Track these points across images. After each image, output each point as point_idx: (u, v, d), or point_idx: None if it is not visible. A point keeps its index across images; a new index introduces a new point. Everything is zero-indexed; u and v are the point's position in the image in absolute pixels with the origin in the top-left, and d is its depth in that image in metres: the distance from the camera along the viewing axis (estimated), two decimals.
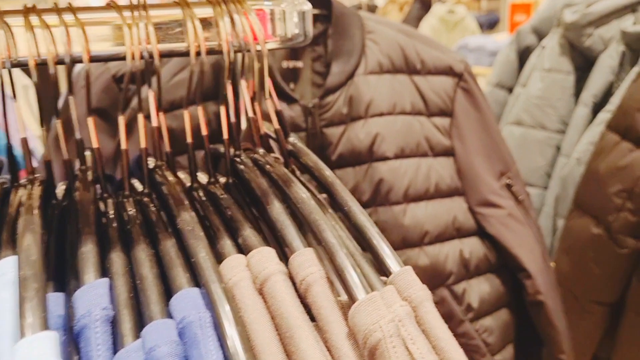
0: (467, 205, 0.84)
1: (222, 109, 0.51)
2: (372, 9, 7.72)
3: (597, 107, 1.43)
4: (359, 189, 0.77)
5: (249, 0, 0.51)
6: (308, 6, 0.52)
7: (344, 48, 0.80)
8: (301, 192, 0.45)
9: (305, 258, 0.39)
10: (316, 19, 0.83)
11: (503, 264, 0.82)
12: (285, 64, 0.86)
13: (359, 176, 0.77)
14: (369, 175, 0.79)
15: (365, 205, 0.80)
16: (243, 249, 0.43)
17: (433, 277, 0.78)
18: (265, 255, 0.40)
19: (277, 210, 0.44)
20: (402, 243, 0.78)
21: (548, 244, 1.46)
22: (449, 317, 0.83)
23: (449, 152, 0.84)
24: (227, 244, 0.43)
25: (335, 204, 0.47)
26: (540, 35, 1.67)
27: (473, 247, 0.81)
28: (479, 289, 0.83)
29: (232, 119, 0.52)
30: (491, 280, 0.84)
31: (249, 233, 0.43)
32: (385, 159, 0.80)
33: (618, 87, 1.40)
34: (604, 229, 1.22)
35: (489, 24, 6.25)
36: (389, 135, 0.80)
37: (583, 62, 1.51)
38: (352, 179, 0.78)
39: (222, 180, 0.52)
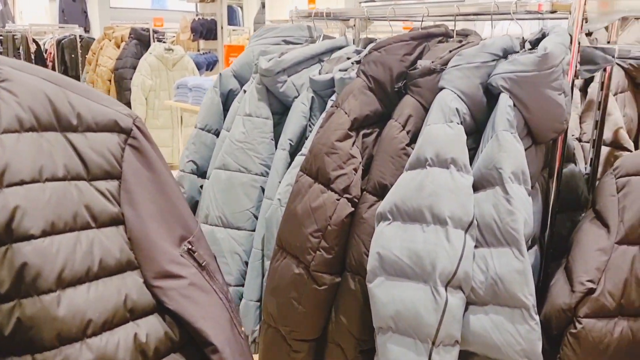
0: (142, 280, 0.74)
1: None
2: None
3: (294, 150, 1.48)
4: None
5: None
6: None
7: None
8: None
9: None
10: None
11: (189, 340, 0.75)
12: None
13: None
14: (8, 259, 0.63)
15: (5, 298, 0.64)
16: None
17: None
18: None
19: None
20: (58, 340, 0.63)
21: (258, 286, 1.45)
22: None
23: (117, 221, 0.73)
24: None
25: None
26: (241, 80, 1.69)
27: (151, 328, 0.71)
28: None
29: None
30: None
31: None
32: (29, 237, 0.64)
33: (311, 131, 1.48)
34: (303, 268, 1.25)
35: (208, 64, 6.45)
36: (34, 208, 0.65)
37: (280, 107, 1.57)
38: None
39: None
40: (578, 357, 1.05)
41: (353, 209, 1.26)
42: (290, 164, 1.47)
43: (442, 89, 1.19)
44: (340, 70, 1.46)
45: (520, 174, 1.08)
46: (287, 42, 1.69)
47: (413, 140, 1.23)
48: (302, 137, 1.49)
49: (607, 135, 1.61)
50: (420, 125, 1.23)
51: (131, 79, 5.35)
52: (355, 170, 1.27)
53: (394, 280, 1.11)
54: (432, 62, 1.27)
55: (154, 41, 5.71)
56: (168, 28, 7.03)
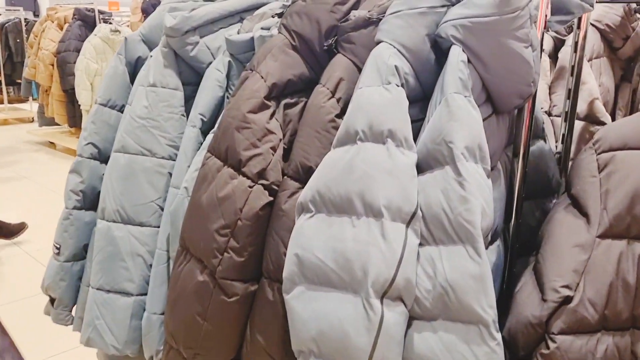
0: None
1: None
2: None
3: (208, 128, 1.21)
4: None
5: None
6: None
7: None
8: None
9: None
10: None
11: None
12: None
13: None
14: None
15: None
16: None
17: None
18: None
19: None
20: None
21: (163, 295, 1.18)
22: None
23: None
24: None
25: None
26: (151, 45, 1.41)
27: None
28: None
29: None
30: None
31: None
32: None
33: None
34: (209, 274, 0.99)
35: None
36: None
37: (193, 75, 1.29)
38: None
39: None
40: None
41: (271, 198, 1.00)
42: (202, 144, 1.19)
43: (378, 42, 0.93)
44: (262, 28, 1.18)
45: (476, 149, 0.84)
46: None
47: (345, 109, 0.98)
48: (218, 111, 1.22)
49: (581, 107, 1.38)
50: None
51: (75, 62, 4.96)
52: (274, 149, 1.01)
53: (317, 290, 0.85)
54: (369, 11, 1.01)
55: (99, 22, 5.31)
56: (124, 12, 6.63)
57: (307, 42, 1.05)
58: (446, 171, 0.84)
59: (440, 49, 0.93)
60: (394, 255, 0.81)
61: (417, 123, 0.94)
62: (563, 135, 1.27)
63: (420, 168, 0.87)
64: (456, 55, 0.87)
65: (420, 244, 0.84)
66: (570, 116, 1.25)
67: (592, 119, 1.36)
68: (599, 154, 0.87)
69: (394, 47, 0.91)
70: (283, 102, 1.05)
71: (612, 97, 1.48)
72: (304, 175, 0.97)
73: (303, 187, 0.96)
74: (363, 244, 0.82)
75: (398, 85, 0.88)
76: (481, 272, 0.79)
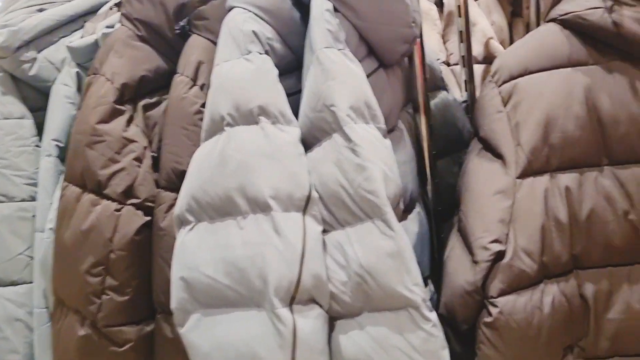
0: None
1: None
2: None
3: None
4: None
5: None
6: None
7: None
8: None
9: None
10: None
11: None
12: None
13: None
14: None
15: None
16: None
17: None
18: None
19: None
20: None
21: None
22: None
23: None
24: None
25: None
26: None
27: None
28: None
29: None
30: None
31: None
32: None
33: None
34: (90, 325, 0.82)
35: None
36: None
37: (40, 98, 1.10)
38: None
39: None
40: (502, 354, 0.70)
41: (147, 218, 0.84)
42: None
43: (230, 9, 0.79)
44: (107, 27, 1.01)
45: (363, 108, 0.71)
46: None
47: None
48: None
49: (478, 50, 1.30)
50: None
51: None
52: (139, 160, 0.85)
53: (215, 314, 0.70)
54: None
55: None
56: None
57: (155, 29, 0.90)
58: (335, 140, 0.71)
59: (303, 5, 0.80)
60: (294, 251, 0.67)
61: (296, 96, 0.80)
62: (465, 81, 1.18)
63: (307, 143, 0.74)
64: (319, 5, 0.75)
65: (324, 231, 0.71)
66: (467, 59, 1.16)
67: (491, 59, 1.28)
68: (500, 85, 0.76)
69: (249, 10, 0.77)
70: (141, 103, 0.89)
71: (507, 35, 1.42)
72: (178, 182, 0.82)
73: None
74: (255, 247, 0.68)
75: (261, 53, 0.74)
76: (397, 247, 0.67)
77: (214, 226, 0.71)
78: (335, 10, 0.76)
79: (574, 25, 0.73)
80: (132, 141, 0.85)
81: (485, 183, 0.75)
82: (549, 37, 0.75)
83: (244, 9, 0.77)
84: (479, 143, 0.80)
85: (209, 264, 0.70)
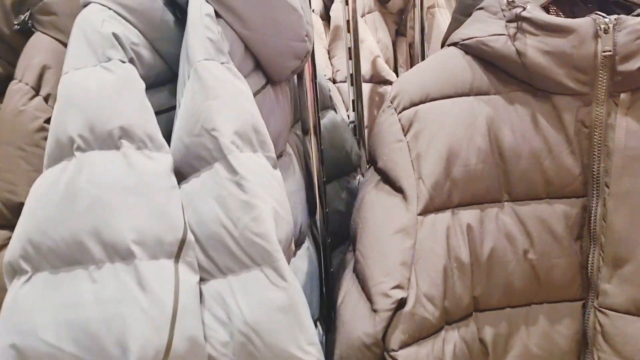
0: None
1: None
2: None
3: None
4: None
5: None
6: None
7: None
8: None
9: None
10: None
11: None
12: None
13: None
14: None
15: None
16: None
17: None
18: None
19: None
20: None
21: None
22: None
23: None
24: None
25: None
26: None
27: None
28: None
29: None
30: None
31: None
32: None
33: None
34: None
35: None
36: None
37: None
38: None
39: None
40: None
41: None
42: None
43: (85, 5, 0.64)
44: None
45: (250, 133, 0.60)
46: None
47: None
48: None
49: (365, 67, 1.25)
50: None
51: None
52: None
53: None
54: None
55: None
56: None
57: None
58: (216, 171, 0.59)
59: (177, 5, 0.68)
60: (163, 309, 0.54)
61: (168, 113, 0.67)
62: (353, 101, 1.11)
63: (181, 173, 0.61)
64: (197, 9, 0.62)
65: (202, 279, 0.59)
66: (356, 78, 1.10)
67: (377, 78, 1.24)
68: (399, 112, 0.70)
69: (109, 8, 0.62)
70: None
71: (392, 54, 1.39)
72: (13, 218, 0.65)
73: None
74: (112, 305, 0.54)
75: (123, 61, 0.60)
76: (290, 299, 0.57)
77: (58, 278, 0.56)
78: (217, 15, 0.64)
79: (476, 51, 0.69)
80: None
81: (385, 220, 0.68)
82: (450, 62, 0.70)
83: (103, 5, 0.63)
84: (377, 174, 0.73)
85: (50, 328, 0.54)
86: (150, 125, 0.59)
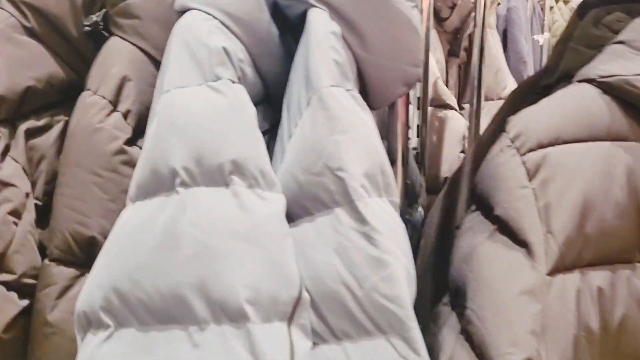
0: None
1: None
2: None
3: None
4: None
5: None
6: None
7: None
8: None
9: None
10: None
11: None
12: None
13: None
14: None
15: None
16: None
17: None
18: None
19: None
20: None
21: None
22: None
23: None
24: None
25: None
26: None
27: None
28: None
29: None
30: None
31: None
32: None
33: None
34: None
35: None
36: None
37: None
38: None
39: None
40: None
41: (25, 303, 0.55)
42: None
43: (184, 11, 0.54)
44: None
45: (378, 174, 0.52)
46: None
47: (141, 130, 0.57)
48: None
49: None
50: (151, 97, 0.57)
51: None
52: (17, 214, 0.56)
53: None
54: None
55: None
56: None
57: (53, 21, 0.62)
58: (337, 217, 0.50)
59: (284, 19, 0.59)
60: None
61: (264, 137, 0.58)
62: (418, 126, 1.03)
63: (289, 215, 0.52)
64: (322, 24, 0.54)
65: (315, 344, 0.49)
66: (423, 102, 1.02)
67: (438, 102, 1.16)
68: (523, 154, 0.61)
69: (214, 16, 0.53)
70: (22, 127, 0.60)
71: (444, 76, 1.32)
72: (81, 253, 0.55)
73: (84, 275, 0.54)
74: None
75: (234, 81, 0.51)
76: None
77: (148, 337, 0.46)
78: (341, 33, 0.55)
79: (619, 92, 0.61)
80: (6, 184, 0.56)
81: (506, 278, 0.59)
82: (585, 102, 0.62)
83: (207, 13, 0.53)
84: (489, 222, 0.64)
85: None
86: (263, 159, 0.50)
